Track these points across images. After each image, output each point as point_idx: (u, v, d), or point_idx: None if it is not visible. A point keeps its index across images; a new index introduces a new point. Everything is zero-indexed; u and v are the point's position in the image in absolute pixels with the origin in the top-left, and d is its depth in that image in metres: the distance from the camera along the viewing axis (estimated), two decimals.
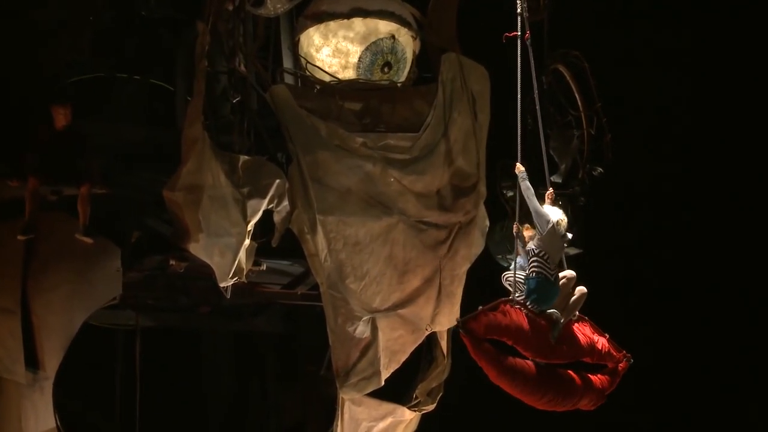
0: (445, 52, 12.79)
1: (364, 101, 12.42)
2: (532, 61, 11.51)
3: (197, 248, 11.65)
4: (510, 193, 13.39)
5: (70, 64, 12.88)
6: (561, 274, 11.14)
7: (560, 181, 13.62)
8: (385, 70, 12.74)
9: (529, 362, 10.88)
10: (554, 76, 13.88)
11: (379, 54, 12.61)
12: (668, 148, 17.25)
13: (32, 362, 11.75)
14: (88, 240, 11.67)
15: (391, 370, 12.40)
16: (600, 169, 13.74)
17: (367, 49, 12.57)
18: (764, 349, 16.82)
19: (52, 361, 11.81)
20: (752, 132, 17.07)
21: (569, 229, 11.37)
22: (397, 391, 12.85)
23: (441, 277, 12.50)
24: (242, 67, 12.26)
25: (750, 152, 17.05)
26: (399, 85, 12.89)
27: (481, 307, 10.74)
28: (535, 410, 11.20)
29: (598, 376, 11.39)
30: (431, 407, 13.02)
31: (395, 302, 12.31)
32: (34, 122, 11.94)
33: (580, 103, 13.70)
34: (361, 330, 12.15)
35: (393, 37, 12.70)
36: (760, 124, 17.03)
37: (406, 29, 12.82)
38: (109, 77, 13.62)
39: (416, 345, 12.59)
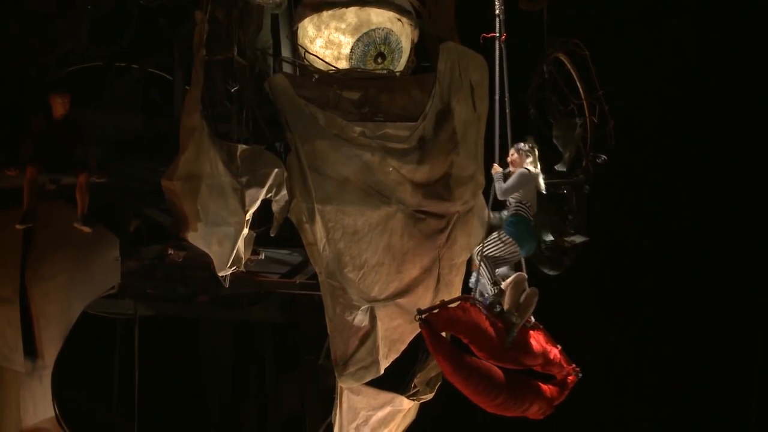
0: (444, 41, 12.75)
1: (363, 90, 12.35)
2: (505, 64, 11.88)
3: (195, 237, 11.67)
4: None
5: (68, 53, 12.86)
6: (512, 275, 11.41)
7: (565, 170, 13.56)
8: (379, 60, 12.67)
9: (485, 363, 10.86)
10: (555, 64, 13.80)
11: (371, 45, 12.55)
12: (671, 136, 17.18)
13: (31, 351, 11.79)
14: (87, 229, 11.69)
15: (391, 360, 12.38)
16: (604, 157, 13.66)
17: (358, 40, 12.48)
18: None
19: (50, 350, 11.85)
20: (757, 123, 16.97)
21: (576, 218, 11.47)
22: (395, 380, 12.85)
23: (440, 266, 12.45)
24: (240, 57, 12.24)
25: (754, 144, 16.96)
26: (397, 74, 12.86)
27: (442, 300, 10.77)
28: None
29: (549, 385, 11.36)
30: (430, 396, 13.00)
31: (394, 292, 12.27)
32: (32, 111, 11.96)
33: (581, 91, 13.62)
34: (360, 319, 12.15)
35: (399, 19, 12.68)
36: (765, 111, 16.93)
37: (404, 18, 12.77)
38: (108, 66, 13.64)
39: (415, 334, 12.55)
